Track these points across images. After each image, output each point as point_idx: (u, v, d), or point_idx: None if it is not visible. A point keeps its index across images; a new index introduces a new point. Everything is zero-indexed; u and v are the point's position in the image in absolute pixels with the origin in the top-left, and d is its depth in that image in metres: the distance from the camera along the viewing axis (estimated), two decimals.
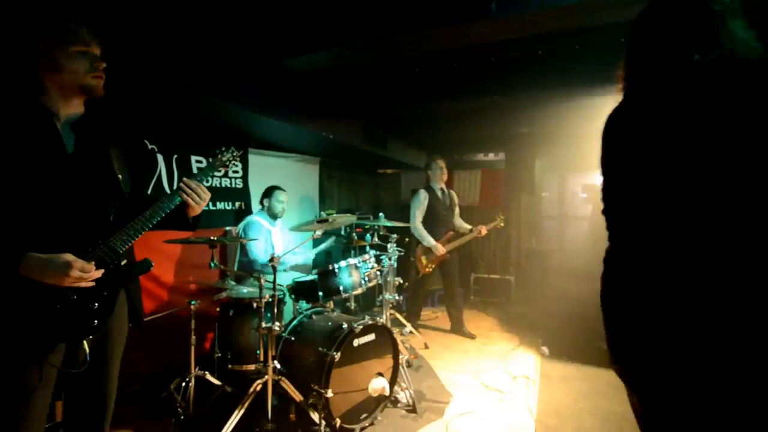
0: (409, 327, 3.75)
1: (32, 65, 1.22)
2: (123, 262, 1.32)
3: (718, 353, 0.75)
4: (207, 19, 2.17)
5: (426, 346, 3.70)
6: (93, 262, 1.21)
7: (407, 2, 2.04)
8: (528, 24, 2.02)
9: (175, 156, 3.14)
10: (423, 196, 3.88)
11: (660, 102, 0.87)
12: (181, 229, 1.51)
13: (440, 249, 3.76)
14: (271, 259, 2.31)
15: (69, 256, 1.16)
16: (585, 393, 2.81)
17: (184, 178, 1.42)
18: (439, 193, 3.95)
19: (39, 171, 1.17)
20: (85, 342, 1.27)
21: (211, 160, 1.54)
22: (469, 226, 4.02)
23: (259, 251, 3.06)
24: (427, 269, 3.84)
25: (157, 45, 2.12)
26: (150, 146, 2.98)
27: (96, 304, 1.25)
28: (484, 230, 3.88)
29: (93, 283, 1.22)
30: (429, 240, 3.77)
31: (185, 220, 1.46)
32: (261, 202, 3.32)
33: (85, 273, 1.18)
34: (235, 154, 1.57)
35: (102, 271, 1.23)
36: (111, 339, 1.38)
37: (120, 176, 1.37)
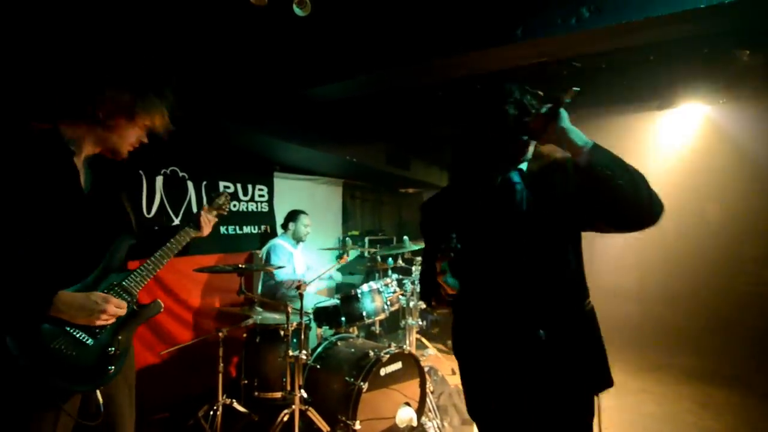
0: (432, 350, 3.64)
1: (93, 115, 1.20)
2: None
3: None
4: (238, 53, 2.25)
5: (453, 372, 3.59)
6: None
7: (434, 29, 2.05)
8: (553, 48, 2.00)
9: (204, 182, 3.23)
10: None
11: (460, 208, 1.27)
12: (179, 255, 1.49)
13: None
14: (299, 287, 2.31)
15: (102, 294, 1.17)
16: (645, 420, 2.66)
17: (204, 209, 1.51)
18: None
19: (57, 211, 1.15)
20: (98, 391, 1.18)
21: (206, 206, 1.56)
22: None
23: (283, 275, 3.09)
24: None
25: (191, 78, 2.20)
26: (181, 174, 3.07)
27: (111, 348, 1.19)
28: None
29: (113, 321, 1.19)
30: None
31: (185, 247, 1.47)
32: (284, 226, 3.34)
33: (119, 310, 1.18)
34: (228, 198, 1.61)
35: (126, 303, 1.22)
36: (121, 389, 1.28)
37: (131, 216, 1.37)
